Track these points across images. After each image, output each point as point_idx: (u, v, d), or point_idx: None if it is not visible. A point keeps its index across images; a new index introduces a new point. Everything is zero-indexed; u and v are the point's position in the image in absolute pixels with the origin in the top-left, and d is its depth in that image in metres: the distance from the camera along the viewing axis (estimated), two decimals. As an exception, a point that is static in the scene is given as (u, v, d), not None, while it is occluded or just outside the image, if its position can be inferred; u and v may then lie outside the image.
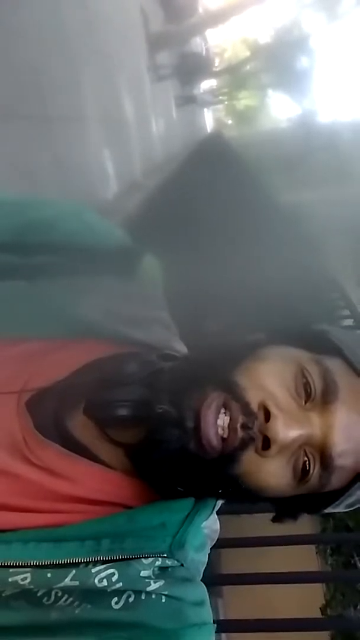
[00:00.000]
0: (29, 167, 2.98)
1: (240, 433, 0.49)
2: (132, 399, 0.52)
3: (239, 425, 0.49)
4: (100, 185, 4.47)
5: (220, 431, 0.48)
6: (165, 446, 0.49)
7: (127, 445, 0.53)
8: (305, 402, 0.52)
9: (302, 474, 0.52)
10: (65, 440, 0.54)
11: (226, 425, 0.49)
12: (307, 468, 0.52)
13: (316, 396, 0.52)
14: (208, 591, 0.52)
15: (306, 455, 0.52)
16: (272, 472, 0.51)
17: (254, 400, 0.50)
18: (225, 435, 0.49)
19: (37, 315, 0.61)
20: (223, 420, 0.49)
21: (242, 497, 0.53)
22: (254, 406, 0.50)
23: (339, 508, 0.57)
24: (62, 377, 0.57)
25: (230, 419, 0.49)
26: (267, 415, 0.49)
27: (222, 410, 0.49)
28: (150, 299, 0.67)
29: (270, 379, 0.52)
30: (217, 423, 0.49)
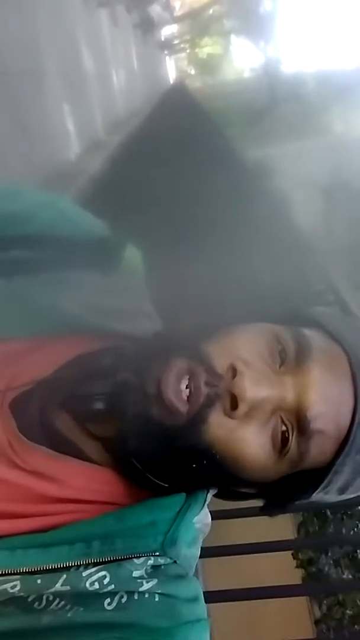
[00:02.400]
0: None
1: (204, 389, 0.47)
2: (107, 392, 0.51)
3: (202, 383, 0.47)
4: (62, 144, 4.28)
5: (182, 395, 0.47)
6: (129, 414, 0.48)
7: (106, 439, 0.52)
8: (280, 367, 0.51)
9: (281, 444, 0.49)
10: (54, 440, 0.53)
11: (191, 386, 0.47)
12: (286, 436, 0.49)
13: (290, 359, 0.51)
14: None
15: (283, 423, 0.50)
16: (248, 438, 0.49)
17: (221, 364, 0.48)
18: (191, 395, 0.47)
19: (14, 313, 0.58)
20: (187, 384, 0.47)
21: (225, 478, 0.52)
22: (220, 369, 0.48)
23: (331, 494, 0.55)
24: (45, 374, 0.55)
25: (195, 379, 0.47)
26: (235, 373, 0.48)
27: (185, 375, 0.47)
28: (132, 290, 0.65)
29: (240, 346, 0.50)
30: (179, 387, 0.47)
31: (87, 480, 0.51)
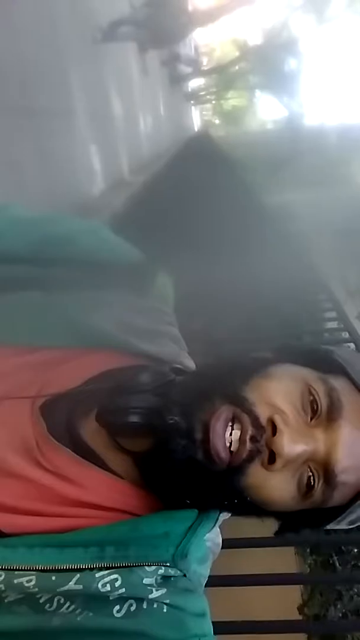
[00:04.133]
0: (13, 161, 2.93)
1: (249, 445, 0.50)
2: (143, 407, 0.54)
3: (248, 437, 0.50)
4: (86, 181, 4.42)
5: (227, 443, 0.50)
6: (173, 456, 0.50)
7: (136, 454, 0.54)
8: (311, 419, 0.54)
9: (306, 489, 0.53)
10: (76, 446, 0.55)
11: (236, 438, 0.50)
12: (312, 483, 0.53)
13: (321, 414, 0.54)
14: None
15: (310, 470, 0.53)
16: (277, 486, 0.52)
17: (262, 415, 0.51)
18: (233, 448, 0.50)
19: (52, 325, 0.63)
20: (232, 433, 0.50)
21: (247, 510, 0.54)
22: (263, 420, 0.51)
23: (341, 525, 0.58)
24: (76, 384, 0.58)
25: (241, 431, 0.50)
26: (274, 430, 0.51)
27: (230, 424, 0.50)
28: (162, 314, 0.69)
29: (278, 396, 0.53)
30: (225, 435, 0.50)
31: (107, 489, 0.53)
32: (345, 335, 2.25)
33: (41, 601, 0.45)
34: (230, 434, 0.50)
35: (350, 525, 0.58)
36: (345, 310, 2.65)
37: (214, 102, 25.27)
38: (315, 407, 0.54)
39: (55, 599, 0.46)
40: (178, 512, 0.53)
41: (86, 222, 0.73)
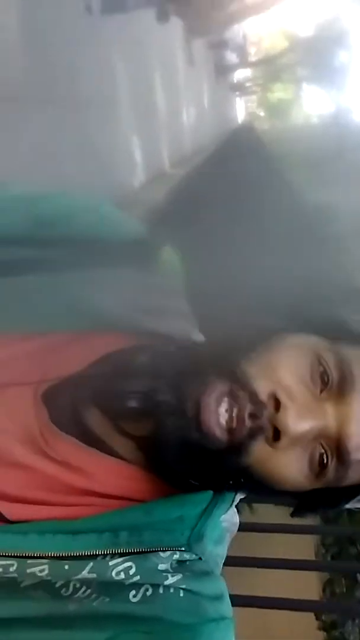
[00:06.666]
0: (54, 152, 2.95)
1: (248, 423, 0.47)
2: (141, 391, 0.51)
3: (246, 415, 0.47)
4: (127, 173, 4.43)
5: (222, 420, 0.47)
6: (169, 437, 0.47)
7: (139, 438, 0.52)
8: (321, 392, 0.50)
9: (319, 467, 0.50)
10: (82, 433, 0.53)
11: (234, 415, 0.47)
12: (324, 461, 0.49)
13: (332, 386, 0.50)
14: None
15: (322, 447, 0.49)
16: (287, 464, 0.49)
17: (263, 389, 0.48)
18: (233, 425, 0.47)
19: (53, 308, 0.60)
20: (227, 408, 0.47)
21: (259, 489, 0.52)
22: (263, 396, 0.48)
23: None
24: (78, 369, 0.56)
25: (239, 408, 0.47)
26: (278, 405, 0.47)
27: (226, 400, 0.47)
28: (169, 291, 0.66)
29: (282, 369, 0.49)
30: (219, 411, 0.47)
31: (114, 476, 0.52)
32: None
33: (57, 585, 0.44)
34: (227, 411, 0.47)
35: None
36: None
37: (259, 93, 24.91)
38: (325, 379, 0.50)
39: (71, 584, 0.45)
40: (192, 495, 0.51)
41: (86, 198, 0.69)
